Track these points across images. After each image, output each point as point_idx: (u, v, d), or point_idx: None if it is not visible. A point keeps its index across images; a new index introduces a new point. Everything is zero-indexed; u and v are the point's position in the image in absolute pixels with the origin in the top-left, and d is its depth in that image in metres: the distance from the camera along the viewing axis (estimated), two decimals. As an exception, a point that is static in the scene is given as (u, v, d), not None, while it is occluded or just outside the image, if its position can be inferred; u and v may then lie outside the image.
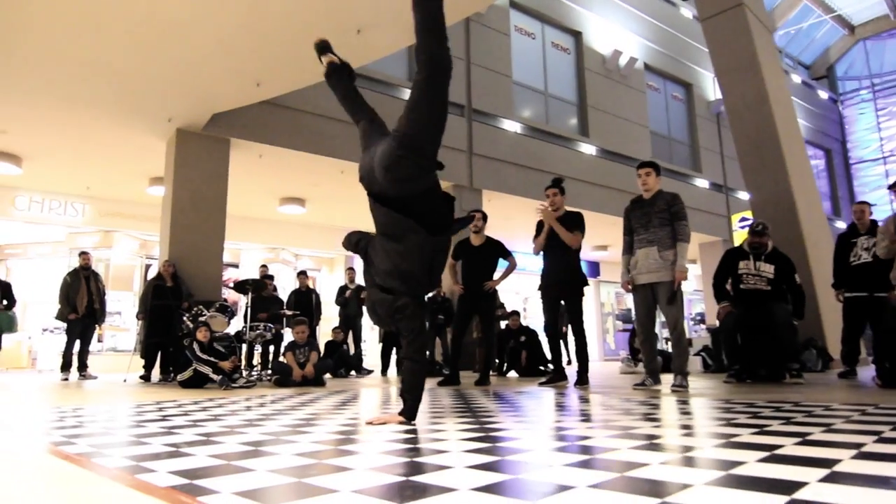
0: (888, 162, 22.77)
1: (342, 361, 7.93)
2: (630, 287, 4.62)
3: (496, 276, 5.81)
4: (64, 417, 2.92)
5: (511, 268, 5.79)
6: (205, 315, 6.28)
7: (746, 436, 1.91)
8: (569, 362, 9.82)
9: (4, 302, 7.59)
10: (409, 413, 2.50)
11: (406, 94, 10.13)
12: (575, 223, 5.14)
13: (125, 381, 6.84)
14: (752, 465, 1.43)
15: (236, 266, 12.87)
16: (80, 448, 1.91)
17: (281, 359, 6.34)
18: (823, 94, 22.92)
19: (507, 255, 5.83)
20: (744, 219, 13.88)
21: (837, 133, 23.37)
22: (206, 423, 2.60)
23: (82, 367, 7.64)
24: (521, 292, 15.95)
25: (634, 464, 1.46)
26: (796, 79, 21.38)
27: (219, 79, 6.89)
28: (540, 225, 5.30)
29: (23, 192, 10.38)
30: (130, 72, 6.52)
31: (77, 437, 2.16)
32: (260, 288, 7.15)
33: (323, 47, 2.92)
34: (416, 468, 1.49)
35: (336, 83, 2.88)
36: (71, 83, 6.75)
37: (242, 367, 6.77)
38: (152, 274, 8.93)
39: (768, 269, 5.03)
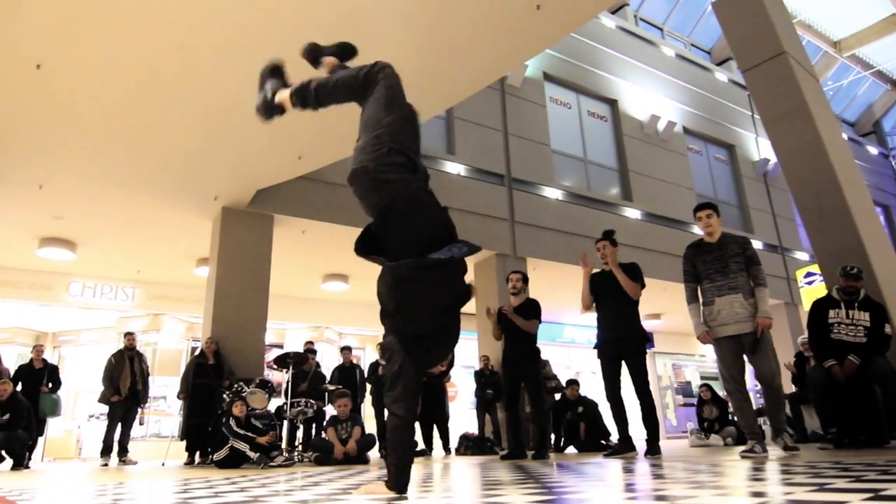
0: (953, 215, 21.59)
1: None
2: (709, 338, 4.11)
3: (522, 324, 5.39)
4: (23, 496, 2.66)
5: (525, 324, 5.37)
6: (245, 391, 6.04)
7: None
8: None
9: (50, 385, 7.55)
10: (392, 480, 2.03)
11: (446, 165, 10.21)
12: (632, 275, 4.79)
13: (163, 464, 6.56)
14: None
15: (280, 346, 12.72)
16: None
17: (323, 435, 5.98)
18: (873, 150, 22.23)
19: (534, 315, 5.46)
20: (809, 274, 13.06)
21: (894, 188, 22.42)
22: (228, 493, 2.29)
23: (122, 451, 7.41)
24: (571, 366, 15.22)
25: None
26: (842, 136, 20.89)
27: (262, 153, 7.03)
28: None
29: (76, 278, 10.67)
30: (180, 152, 6.72)
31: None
32: (301, 362, 6.91)
33: (315, 54, 2.63)
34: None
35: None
36: (124, 166, 6.98)
37: (283, 446, 6.41)
38: (196, 355, 8.82)
39: (863, 317, 4.45)
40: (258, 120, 2.60)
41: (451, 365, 2.22)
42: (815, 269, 12.31)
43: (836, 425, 4.39)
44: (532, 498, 1.75)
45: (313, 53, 2.63)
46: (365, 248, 2.19)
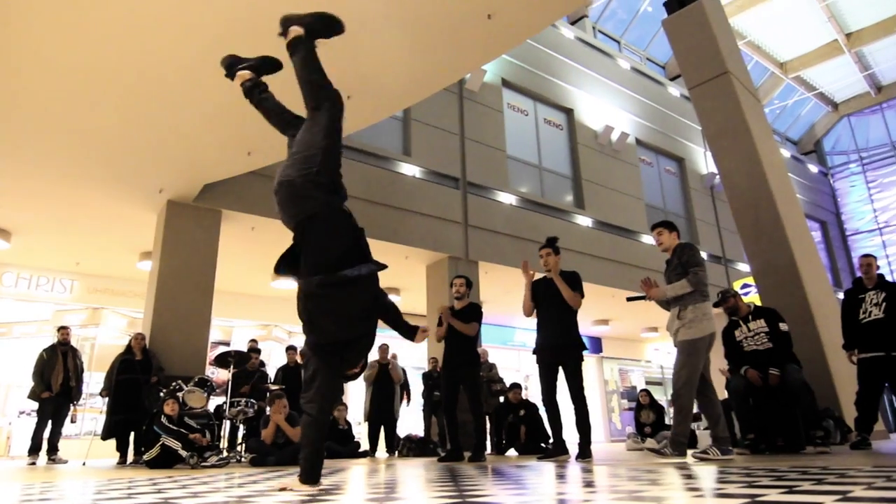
0: (884, 233, 22.82)
1: (339, 440, 7.38)
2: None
3: (460, 327, 5.41)
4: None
5: (465, 327, 5.38)
6: (182, 390, 5.90)
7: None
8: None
9: (-24, 380, 7.20)
10: (303, 475, 2.23)
11: (402, 166, 10.22)
12: (572, 284, 4.91)
13: (84, 464, 6.36)
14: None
15: (227, 344, 12.46)
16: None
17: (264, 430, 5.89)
18: (813, 168, 23.32)
19: (474, 319, 5.47)
20: (745, 285, 13.66)
21: (831, 205, 23.57)
22: (144, 494, 2.25)
23: (52, 450, 7.13)
24: (521, 370, 15.43)
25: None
26: (785, 153, 21.83)
27: (209, 148, 6.88)
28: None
29: (11, 268, 10.22)
30: (122, 142, 6.51)
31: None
32: (243, 361, 6.79)
33: (230, 65, 2.70)
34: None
35: (257, 103, 2.70)
36: (63, 155, 6.73)
37: (222, 445, 6.29)
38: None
39: (760, 324, 4.89)
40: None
41: (363, 368, 2.25)
42: (750, 280, 12.85)
43: (754, 431, 4.63)
44: (438, 499, 1.79)
45: (230, 63, 2.69)
46: (284, 265, 2.29)
